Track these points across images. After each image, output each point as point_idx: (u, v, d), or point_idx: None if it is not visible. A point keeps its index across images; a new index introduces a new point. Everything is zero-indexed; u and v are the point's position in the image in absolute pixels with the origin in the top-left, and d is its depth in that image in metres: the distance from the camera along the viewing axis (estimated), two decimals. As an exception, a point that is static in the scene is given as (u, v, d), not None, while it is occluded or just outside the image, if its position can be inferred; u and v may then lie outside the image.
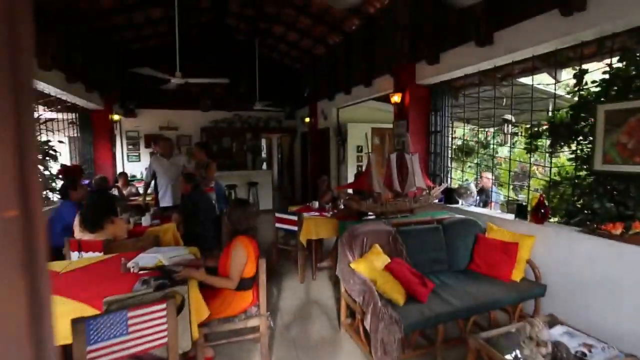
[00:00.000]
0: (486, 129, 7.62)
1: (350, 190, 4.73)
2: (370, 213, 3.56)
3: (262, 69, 8.53)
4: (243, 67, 8.84)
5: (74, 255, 3.19)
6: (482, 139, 7.87)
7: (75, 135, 6.94)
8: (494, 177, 5.18)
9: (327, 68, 7.59)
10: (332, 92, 7.40)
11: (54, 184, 5.33)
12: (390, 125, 5.40)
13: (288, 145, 10.91)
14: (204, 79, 5.06)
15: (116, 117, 7.35)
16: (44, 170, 5.03)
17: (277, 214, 4.25)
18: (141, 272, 2.42)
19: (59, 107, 6.86)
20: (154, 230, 3.72)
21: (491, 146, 8.01)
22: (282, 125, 10.36)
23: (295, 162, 10.55)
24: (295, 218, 4.05)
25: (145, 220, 3.88)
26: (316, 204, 4.72)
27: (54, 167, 5.42)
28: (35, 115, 5.36)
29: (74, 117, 6.93)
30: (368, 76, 5.96)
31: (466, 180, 4.78)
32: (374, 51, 5.86)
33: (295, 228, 4.05)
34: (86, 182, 5.24)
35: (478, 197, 4.26)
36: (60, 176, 5.42)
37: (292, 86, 10.03)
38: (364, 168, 4.52)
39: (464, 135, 6.75)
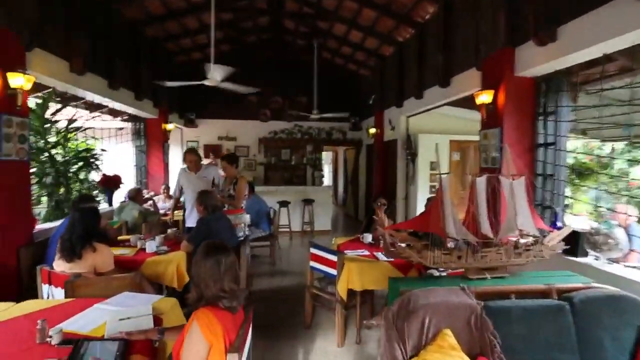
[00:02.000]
0: (611, 142, 5.67)
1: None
2: (440, 270, 2.33)
3: (324, 76, 7.71)
4: (303, 75, 8.11)
5: (45, 289, 2.56)
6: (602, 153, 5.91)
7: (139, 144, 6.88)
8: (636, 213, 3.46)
9: (396, 70, 6.42)
10: (401, 98, 6.20)
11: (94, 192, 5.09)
12: (476, 137, 4.03)
13: (353, 159, 9.87)
14: (237, 86, 4.33)
15: (170, 126, 7.13)
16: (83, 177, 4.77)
17: (312, 250, 3.21)
18: (62, 346, 1.58)
19: (123, 117, 6.88)
20: (155, 262, 2.98)
21: (617, 165, 5.96)
22: (347, 137, 9.40)
23: (360, 178, 9.45)
24: (335, 258, 2.96)
25: (150, 246, 3.16)
26: (368, 238, 3.57)
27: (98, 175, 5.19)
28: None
29: (134, 126, 6.88)
30: (445, 74, 4.67)
31: (601, 220, 3.20)
32: (453, 41, 4.58)
33: (335, 272, 2.96)
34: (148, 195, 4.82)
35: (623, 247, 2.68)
36: (101, 185, 5.16)
37: (358, 94, 9.04)
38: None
39: (576, 149, 4.99)
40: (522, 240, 2.16)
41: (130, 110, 5.93)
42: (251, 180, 6.19)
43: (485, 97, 3.58)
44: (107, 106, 6.34)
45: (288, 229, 7.28)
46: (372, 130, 7.49)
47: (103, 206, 5.17)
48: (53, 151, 4.43)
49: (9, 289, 3.00)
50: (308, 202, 7.43)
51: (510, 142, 3.35)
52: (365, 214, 8.92)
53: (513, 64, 3.37)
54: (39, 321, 1.65)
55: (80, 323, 1.80)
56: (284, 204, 7.20)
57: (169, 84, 4.03)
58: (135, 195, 4.79)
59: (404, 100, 6.10)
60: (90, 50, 4.42)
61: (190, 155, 4.13)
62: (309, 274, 3.30)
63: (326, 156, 14.54)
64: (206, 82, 4.22)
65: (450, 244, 2.20)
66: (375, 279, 2.87)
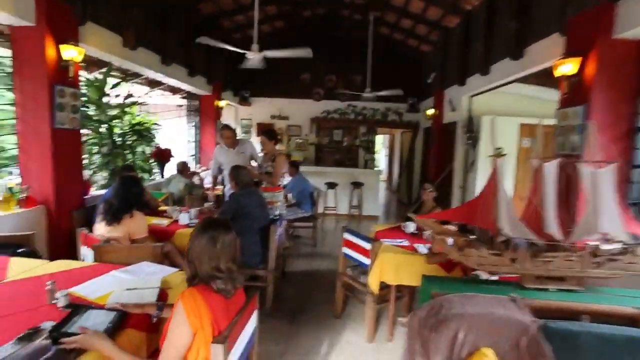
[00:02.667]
0: None
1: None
2: (489, 274, 1.93)
3: (380, 53, 7.18)
4: (359, 52, 7.64)
5: (84, 251, 2.66)
6: None
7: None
8: None
9: (460, 43, 5.71)
10: (464, 75, 5.52)
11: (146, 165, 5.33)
12: (552, 121, 3.38)
13: (409, 143, 9.26)
14: (283, 51, 4.09)
15: (222, 103, 7.22)
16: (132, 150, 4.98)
17: (345, 235, 2.94)
18: (67, 309, 1.54)
19: (181, 94, 7.13)
20: (185, 234, 2.95)
21: None
22: (403, 119, 8.81)
23: (415, 163, 8.86)
24: (368, 246, 2.67)
25: (183, 219, 3.16)
26: (410, 227, 3.20)
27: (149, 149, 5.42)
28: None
29: (188, 102, 7.11)
30: (518, 43, 3.98)
31: None
32: (530, 4, 3.85)
33: (368, 262, 2.68)
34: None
35: None
36: (154, 158, 5.38)
37: (417, 73, 8.34)
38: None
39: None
40: (605, 247, 1.67)
41: (184, 86, 6.07)
42: (296, 159, 6.04)
43: (568, 68, 2.93)
44: (165, 83, 6.61)
45: (335, 211, 7.08)
46: (430, 112, 6.86)
47: (157, 178, 5.43)
48: (112, 124, 4.68)
49: (63, 249, 3.21)
50: (357, 185, 7.12)
51: (600, 124, 2.70)
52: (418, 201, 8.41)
53: (612, 23, 2.67)
54: (48, 282, 1.64)
55: (91, 288, 1.77)
56: (331, 185, 6.99)
57: (206, 40, 3.91)
58: (182, 169, 4.91)
59: (468, 77, 5.41)
60: (143, 26, 4.51)
61: (227, 131, 4.06)
62: (342, 261, 3.05)
63: (383, 139, 13.99)
64: (250, 55, 4.05)
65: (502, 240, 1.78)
66: (412, 274, 2.53)
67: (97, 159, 4.58)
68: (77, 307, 1.53)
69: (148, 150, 5.27)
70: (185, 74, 5.77)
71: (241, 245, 2.89)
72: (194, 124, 7.09)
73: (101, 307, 1.54)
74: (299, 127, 9.05)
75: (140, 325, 1.51)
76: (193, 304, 1.27)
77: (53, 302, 1.61)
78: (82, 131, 3.66)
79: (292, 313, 3.13)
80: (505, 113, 5.32)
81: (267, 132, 3.84)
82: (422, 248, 2.70)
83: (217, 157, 4.12)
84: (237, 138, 4.18)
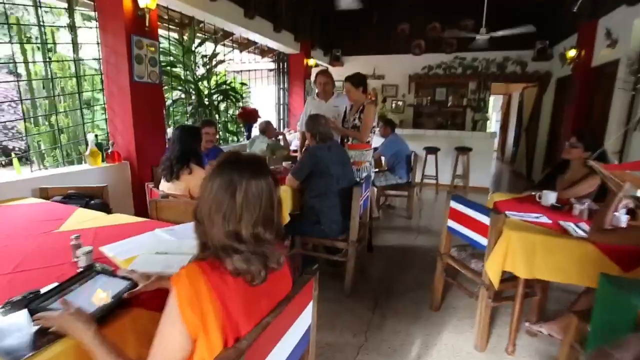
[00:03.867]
0: None
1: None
2: None
3: None
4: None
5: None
6: None
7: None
8: None
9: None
10: (638, -12, 3.86)
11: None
12: None
13: (533, 101, 7.50)
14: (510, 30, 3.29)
15: (311, 62, 6.72)
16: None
17: (452, 204, 2.16)
18: (81, 269, 1.24)
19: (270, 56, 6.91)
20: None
21: None
22: (527, 70, 7.08)
23: (541, 125, 7.14)
24: (487, 220, 1.87)
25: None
26: (551, 198, 2.25)
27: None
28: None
29: (276, 62, 6.83)
30: None
31: None
32: None
33: (486, 242, 1.89)
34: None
35: None
36: (240, 119, 5.24)
37: (549, 6, 6.45)
38: None
39: None
40: None
41: (270, 43, 5.72)
42: (390, 119, 5.25)
43: None
44: (255, 43, 6.38)
45: (435, 181, 6.13)
46: (572, 53, 5.20)
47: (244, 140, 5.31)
48: (198, 84, 4.60)
49: (145, 205, 3.19)
50: (463, 150, 5.99)
51: None
52: (542, 173, 6.78)
53: None
54: (72, 237, 1.36)
55: (123, 248, 1.46)
56: (431, 150, 6.02)
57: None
58: (265, 129, 4.62)
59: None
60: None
61: (323, 77, 3.51)
62: (445, 237, 2.30)
63: (494, 101, 11.90)
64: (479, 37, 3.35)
65: None
66: (558, 265, 1.68)
67: (182, 118, 4.59)
68: (89, 268, 1.21)
69: (235, 111, 5.13)
70: (270, 29, 5.39)
71: (318, 209, 2.38)
72: (283, 86, 6.80)
73: (114, 274, 1.18)
74: (396, 86, 8.08)
75: (153, 303, 1.09)
76: (192, 293, 0.77)
77: (74, 260, 1.32)
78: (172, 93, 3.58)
79: (377, 297, 2.54)
80: None
81: (352, 77, 3.16)
82: (574, 228, 1.78)
83: (307, 108, 3.64)
84: (334, 90, 3.62)
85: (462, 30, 6.57)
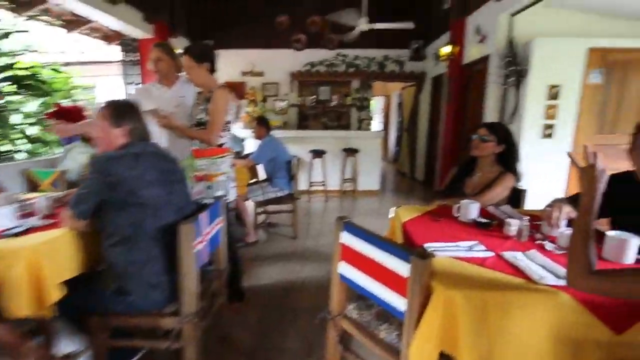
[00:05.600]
0: None
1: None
2: None
3: None
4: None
5: None
6: None
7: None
8: None
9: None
10: (504, -18, 3.82)
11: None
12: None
13: (411, 101, 7.61)
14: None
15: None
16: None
17: (343, 237, 1.33)
18: None
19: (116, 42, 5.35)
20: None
21: None
22: (404, 69, 7.07)
23: (420, 125, 7.24)
24: (403, 269, 1.07)
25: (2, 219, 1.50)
26: (472, 211, 1.62)
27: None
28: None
29: (123, 49, 5.30)
30: None
31: None
32: None
33: (403, 303, 1.08)
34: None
35: None
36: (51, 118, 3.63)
37: (423, 8, 6.56)
38: None
39: None
40: None
41: (103, 18, 4.23)
42: (274, 123, 4.36)
43: None
44: (88, 21, 4.77)
45: (323, 187, 5.49)
46: (446, 50, 5.16)
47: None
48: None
49: None
50: (350, 152, 5.50)
51: None
52: (424, 173, 6.85)
53: None
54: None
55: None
56: (318, 153, 5.36)
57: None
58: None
59: (510, -15, 3.72)
60: None
61: (156, 51, 2.35)
62: (337, 289, 1.45)
63: (376, 103, 12.26)
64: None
65: None
66: (525, 339, 0.96)
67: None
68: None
69: (40, 108, 3.52)
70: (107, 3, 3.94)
71: (121, 266, 1.31)
72: (130, 78, 5.29)
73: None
74: (277, 84, 7.28)
75: None
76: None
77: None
78: None
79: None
80: (567, 33, 3.68)
81: (193, 48, 2.11)
82: (530, 266, 1.11)
83: (138, 99, 2.37)
84: (180, 74, 2.46)
85: (343, 27, 6.13)
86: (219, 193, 2.09)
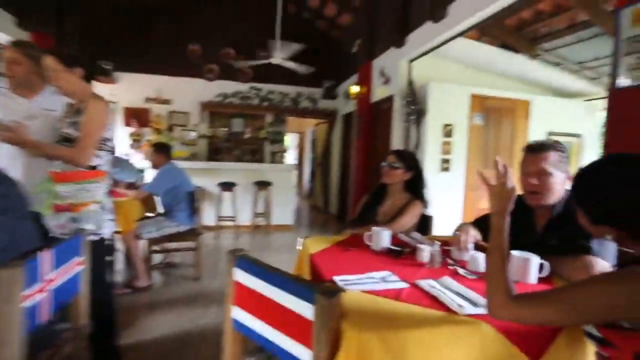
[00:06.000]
0: None
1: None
2: None
3: (290, 30, 5.49)
4: (263, 19, 5.88)
5: None
6: None
7: None
8: None
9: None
10: (403, 32, 4.22)
11: None
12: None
13: (324, 137, 7.82)
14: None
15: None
16: None
17: (239, 272, 1.09)
18: None
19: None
20: None
21: None
22: (318, 106, 7.29)
23: (332, 160, 7.42)
24: (306, 311, 0.87)
25: None
26: (384, 238, 1.52)
27: None
28: None
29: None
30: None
31: None
32: None
33: (308, 355, 0.86)
34: None
35: None
36: None
37: (333, 52, 6.99)
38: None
39: None
40: None
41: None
42: (180, 154, 3.94)
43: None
44: None
45: (233, 222, 5.10)
46: (355, 89, 5.46)
47: None
48: None
49: None
50: (263, 185, 5.28)
51: None
52: (338, 206, 6.93)
53: None
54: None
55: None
56: (227, 186, 5.01)
57: None
58: None
59: (409, 33, 4.12)
60: None
61: (10, 51, 1.85)
62: (230, 339, 1.16)
63: (291, 140, 12.43)
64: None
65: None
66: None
67: None
68: None
69: None
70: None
71: None
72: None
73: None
74: (187, 114, 6.81)
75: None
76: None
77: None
78: None
79: None
80: (453, 81, 4.16)
81: (58, 51, 1.73)
82: (446, 293, 1.01)
83: None
84: (45, 83, 1.96)
85: (256, 58, 6.10)
86: (87, 226, 1.65)
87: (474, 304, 0.96)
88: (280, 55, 4.96)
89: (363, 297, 1.00)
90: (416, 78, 4.23)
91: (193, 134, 6.79)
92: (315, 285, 0.88)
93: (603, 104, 4.91)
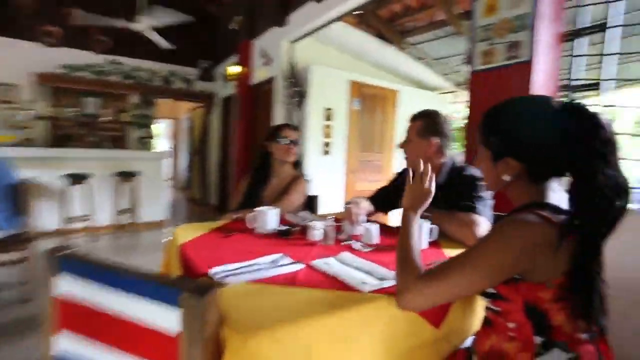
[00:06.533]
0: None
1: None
2: None
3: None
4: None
5: None
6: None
7: None
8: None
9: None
10: (285, 11, 4.07)
11: None
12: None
13: (202, 122, 7.17)
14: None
15: None
16: None
17: (64, 282, 0.76)
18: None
19: None
20: None
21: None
22: (192, 88, 6.59)
23: (211, 147, 6.86)
24: (169, 324, 0.61)
25: None
26: (271, 219, 1.32)
27: None
28: None
29: None
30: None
31: None
32: None
33: None
34: None
35: None
36: None
37: (211, 30, 6.41)
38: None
39: None
40: None
41: None
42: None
43: None
44: None
45: (87, 223, 4.19)
46: (234, 70, 5.08)
47: None
48: None
49: None
50: (126, 176, 4.48)
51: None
52: (218, 197, 6.46)
53: None
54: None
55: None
56: (76, 179, 4.05)
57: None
58: None
59: (291, 12, 3.98)
60: None
61: None
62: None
63: (164, 127, 11.12)
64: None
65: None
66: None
67: None
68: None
69: None
70: None
71: None
72: None
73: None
74: (14, 87, 5.27)
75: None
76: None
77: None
78: None
79: None
80: (334, 66, 4.23)
81: None
82: (348, 270, 0.88)
83: None
84: None
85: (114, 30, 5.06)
86: None
87: (377, 277, 0.85)
88: (147, 22, 4.21)
89: (250, 290, 0.78)
90: (299, 59, 4.14)
91: (26, 114, 5.31)
92: (181, 281, 0.62)
93: (452, 97, 5.79)
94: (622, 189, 0.66)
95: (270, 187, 1.84)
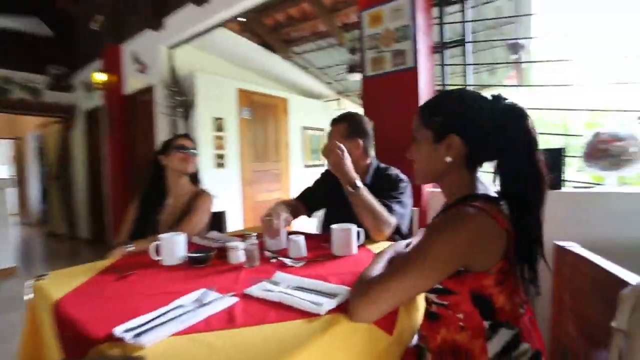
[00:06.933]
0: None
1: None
2: None
3: None
4: None
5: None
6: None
7: None
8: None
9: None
10: (162, 13, 3.66)
11: None
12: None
13: (59, 141, 5.94)
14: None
15: None
16: None
17: None
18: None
19: None
20: None
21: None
22: (43, 99, 5.39)
23: (75, 169, 5.74)
24: None
25: None
26: (178, 247, 1.10)
27: None
28: None
29: None
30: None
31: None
32: None
33: None
34: None
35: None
36: None
37: (67, 31, 5.40)
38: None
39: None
40: None
41: None
42: None
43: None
44: None
45: None
46: (100, 78, 4.35)
47: None
48: None
49: None
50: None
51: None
52: (92, 226, 5.42)
53: None
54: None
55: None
56: None
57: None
58: None
59: (167, 15, 3.60)
60: None
61: None
62: None
63: (1, 150, 8.86)
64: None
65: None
66: None
67: None
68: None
69: None
70: None
71: None
72: None
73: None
74: None
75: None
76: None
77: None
78: None
79: None
80: (220, 74, 3.99)
81: None
82: (309, 297, 0.76)
83: None
84: None
85: None
86: None
87: (327, 294, 0.76)
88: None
89: (179, 345, 0.60)
90: (181, 68, 3.78)
91: None
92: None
93: (336, 104, 6.14)
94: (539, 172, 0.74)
95: (167, 208, 1.57)
